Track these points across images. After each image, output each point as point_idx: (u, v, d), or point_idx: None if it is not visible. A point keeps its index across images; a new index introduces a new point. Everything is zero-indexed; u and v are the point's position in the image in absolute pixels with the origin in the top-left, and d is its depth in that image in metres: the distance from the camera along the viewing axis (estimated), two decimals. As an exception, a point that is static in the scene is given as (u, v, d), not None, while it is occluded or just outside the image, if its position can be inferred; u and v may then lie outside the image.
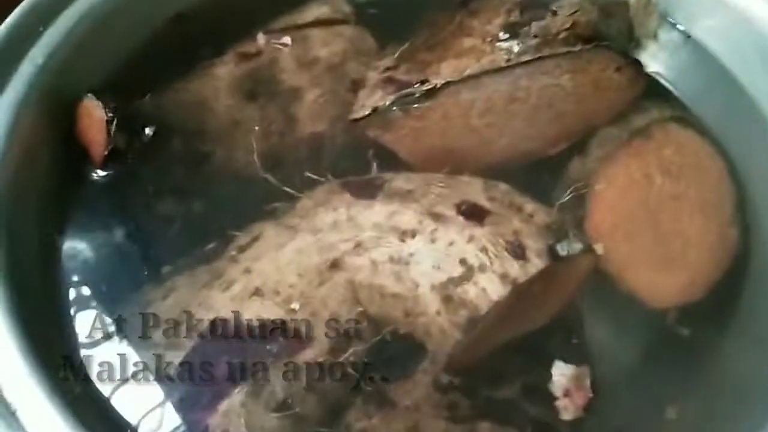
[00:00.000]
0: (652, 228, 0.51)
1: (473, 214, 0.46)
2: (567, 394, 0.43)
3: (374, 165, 0.52)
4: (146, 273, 0.46)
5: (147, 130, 0.47)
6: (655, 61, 0.57)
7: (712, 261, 0.51)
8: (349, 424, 0.41)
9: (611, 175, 0.52)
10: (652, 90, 0.56)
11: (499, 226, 0.45)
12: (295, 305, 0.42)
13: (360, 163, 0.52)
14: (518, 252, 0.43)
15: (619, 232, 0.50)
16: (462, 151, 0.53)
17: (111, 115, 0.46)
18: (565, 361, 0.45)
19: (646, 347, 0.49)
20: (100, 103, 0.46)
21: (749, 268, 0.51)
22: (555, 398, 0.43)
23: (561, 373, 0.44)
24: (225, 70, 0.54)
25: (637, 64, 0.54)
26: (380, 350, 0.42)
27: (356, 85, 0.56)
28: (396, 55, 0.56)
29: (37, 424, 0.37)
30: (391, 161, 0.52)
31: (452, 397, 0.42)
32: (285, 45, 0.54)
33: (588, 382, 0.44)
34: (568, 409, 0.43)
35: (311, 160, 0.53)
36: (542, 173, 0.54)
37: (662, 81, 0.57)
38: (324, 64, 0.56)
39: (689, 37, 0.58)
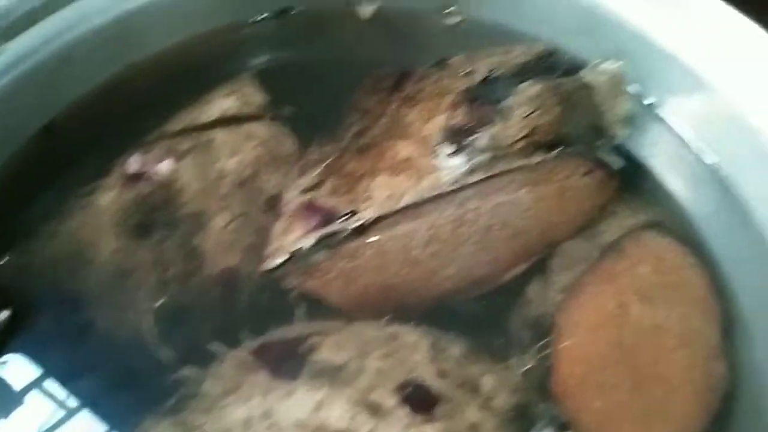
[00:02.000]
0: (628, 373, 0.43)
1: (420, 402, 0.37)
2: None
3: (300, 312, 0.43)
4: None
5: (1, 316, 0.37)
6: (625, 152, 0.48)
7: (698, 406, 0.44)
8: None
9: (579, 312, 0.44)
10: (624, 188, 0.47)
11: (453, 419, 0.37)
12: None
13: (283, 307, 0.43)
14: (477, 460, 0.35)
15: (591, 386, 0.42)
16: (403, 287, 0.45)
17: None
18: None
19: None
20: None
21: (738, 411, 0.44)
22: None
23: None
24: (108, 199, 0.44)
25: (608, 165, 0.46)
26: None
27: (273, 203, 0.46)
28: (318, 165, 0.46)
29: None
30: (320, 306, 0.43)
31: None
32: (163, 172, 0.44)
33: None
34: None
35: (222, 309, 0.44)
36: (497, 305, 0.45)
37: (635, 176, 0.48)
38: (233, 179, 0.46)
39: (665, 121, 0.49)
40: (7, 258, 0.40)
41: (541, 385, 0.42)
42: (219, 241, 0.45)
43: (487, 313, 0.45)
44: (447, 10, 0.54)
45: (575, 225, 0.46)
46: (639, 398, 0.43)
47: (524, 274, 0.46)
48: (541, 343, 0.43)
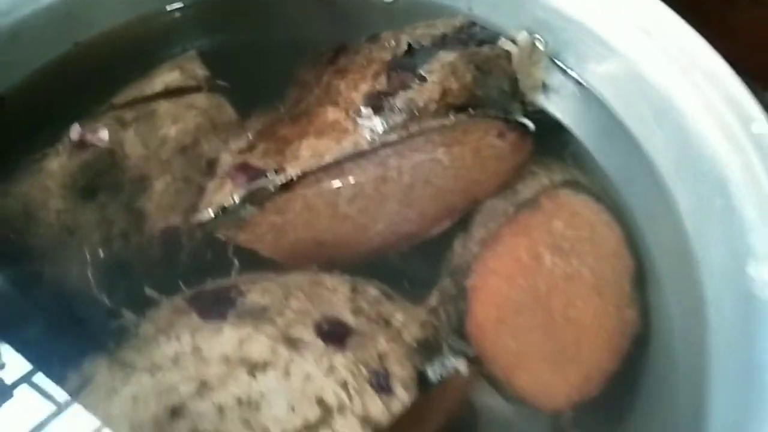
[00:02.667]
0: (542, 318, 0.46)
1: (334, 335, 0.40)
2: None
3: (235, 265, 0.46)
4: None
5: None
6: (542, 116, 0.51)
7: (609, 349, 0.47)
8: None
9: (495, 261, 0.47)
10: (541, 150, 0.50)
11: (363, 349, 0.40)
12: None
13: (221, 262, 0.46)
14: (383, 384, 0.39)
15: (506, 329, 0.45)
16: (334, 241, 0.48)
17: None
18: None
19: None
20: None
21: (649, 352, 0.47)
22: None
23: None
24: (57, 164, 0.47)
25: (522, 126, 0.49)
26: None
27: (213, 167, 0.49)
28: (254, 131, 0.49)
29: None
30: (254, 258, 0.47)
31: None
32: (100, 141, 0.47)
33: None
34: None
35: (164, 264, 0.47)
36: (425, 258, 0.49)
37: (551, 139, 0.51)
38: (174, 145, 0.49)
39: (581, 84, 0.52)
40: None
41: (458, 326, 0.45)
42: (161, 202, 0.48)
43: (414, 265, 0.48)
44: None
45: (495, 184, 0.49)
46: (552, 341, 0.46)
47: (450, 230, 0.49)
48: (459, 288, 0.46)
